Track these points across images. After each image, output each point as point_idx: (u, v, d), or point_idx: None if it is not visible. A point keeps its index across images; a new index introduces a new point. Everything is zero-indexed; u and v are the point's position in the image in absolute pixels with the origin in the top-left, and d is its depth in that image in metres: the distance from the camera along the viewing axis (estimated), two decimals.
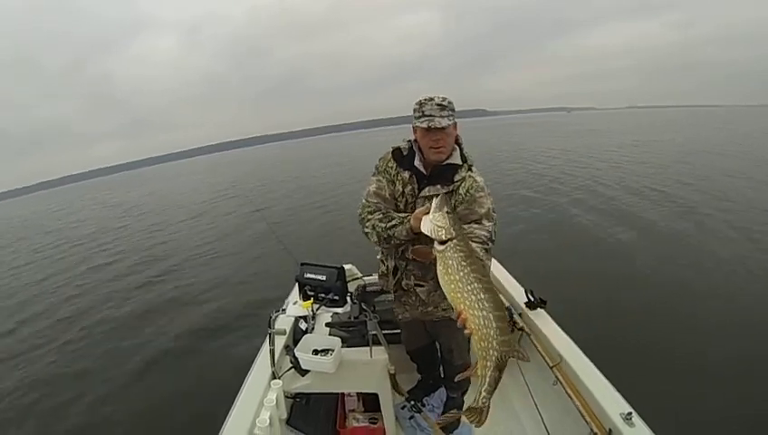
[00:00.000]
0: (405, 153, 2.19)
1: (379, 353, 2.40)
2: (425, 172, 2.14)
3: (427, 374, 3.04)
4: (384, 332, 2.42)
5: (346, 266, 3.10)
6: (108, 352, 5.49)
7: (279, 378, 2.33)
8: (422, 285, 2.27)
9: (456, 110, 2.03)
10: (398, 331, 2.71)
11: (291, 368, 2.36)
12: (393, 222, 2.03)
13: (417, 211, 1.93)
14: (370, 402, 2.75)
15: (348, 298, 2.44)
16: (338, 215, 11.98)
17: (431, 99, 2.00)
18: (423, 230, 1.77)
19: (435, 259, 1.74)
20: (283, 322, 2.59)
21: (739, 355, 4.18)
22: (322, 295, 2.31)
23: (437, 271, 1.72)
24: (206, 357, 4.95)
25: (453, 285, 1.64)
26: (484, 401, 1.56)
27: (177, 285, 7.87)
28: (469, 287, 1.60)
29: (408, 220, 1.96)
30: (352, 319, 2.60)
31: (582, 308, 4.77)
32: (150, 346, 5.45)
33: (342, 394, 2.82)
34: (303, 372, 2.36)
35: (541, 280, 3.43)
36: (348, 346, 2.40)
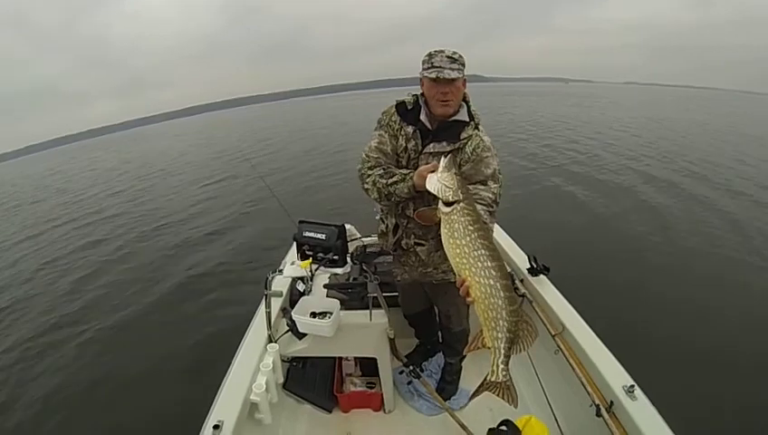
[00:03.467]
0: (410, 107, 2.09)
1: (379, 317, 2.32)
2: (430, 127, 2.05)
3: (425, 339, 3.01)
4: (383, 294, 2.35)
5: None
6: (100, 311, 5.44)
7: (275, 341, 2.26)
8: (422, 245, 2.21)
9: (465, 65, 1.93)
10: (397, 294, 2.64)
11: (287, 331, 2.30)
12: (395, 178, 1.97)
13: (421, 168, 1.85)
14: (368, 367, 2.71)
15: (348, 259, 2.34)
16: (336, 175, 11.82)
17: (441, 51, 1.91)
18: (428, 188, 1.68)
19: (439, 221, 1.66)
20: (280, 283, 2.52)
21: (746, 334, 4.17)
22: (321, 255, 2.22)
23: (441, 233, 1.64)
24: (200, 321, 4.85)
25: (458, 250, 1.56)
26: (504, 374, 1.53)
27: (171, 245, 7.71)
28: (475, 254, 1.53)
29: (411, 177, 1.91)
30: (351, 280, 2.52)
31: (586, 278, 4.73)
32: (145, 308, 5.38)
33: (340, 358, 2.77)
34: (300, 336, 2.29)
35: (544, 247, 3.34)
36: (346, 309, 2.33)
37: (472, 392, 1.68)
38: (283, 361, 2.44)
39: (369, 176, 2.05)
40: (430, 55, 1.93)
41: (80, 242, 8.74)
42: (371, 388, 2.65)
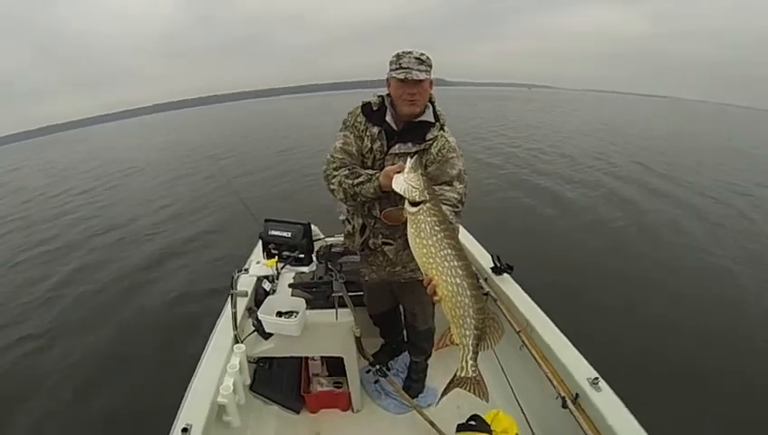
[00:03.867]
0: (375, 108, 2.09)
1: (345, 316, 2.32)
2: (395, 128, 2.06)
3: (390, 339, 3.01)
4: (349, 294, 2.34)
5: None
6: (62, 316, 5.19)
7: (242, 342, 2.22)
8: (390, 244, 2.21)
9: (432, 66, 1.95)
10: (362, 293, 2.62)
11: (253, 331, 2.26)
12: (360, 179, 1.98)
13: (387, 169, 1.87)
14: (334, 366, 2.70)
15: (313, 257, 2.32)
16: (299, 175, 11.75)
17: (409, 52, 1.92)
18: (395, 189, 1.71)
19: (405, 221, 1.69)
20: (245, 283, 2.47)
21: (706, 322, 4.51)
22: (287, 254, 2.18)
23: (408, 233, 1.68)
24: (164, 322, 4.74)
25: (425, 250, 1.60)
26: (473, 369, 1.58)
27: (132, 246, 7.43)
28: (442, 253, 1.57)
29: (377, 178, 1.92)
30: (315, 280, 2.50)
31: (549, 276, 4.83)
32: (108, 310, 5.16)
33: (306, 358, 2.74)
34: (267, 336, 2.26)
35: (508, 247, 3.40)
36: (311, 308, 2.31)
37: (442, 389, 1.70)
38: (249, 362, 2.40)
39: (335, 176, 2.04)
40: (398, 56, 1.93)
41: (34, 244, 8.30)
42: (338, 387, 2.63)
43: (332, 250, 2.80)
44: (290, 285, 2.48)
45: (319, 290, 2.39)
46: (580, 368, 2.12)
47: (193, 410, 1.84)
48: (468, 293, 1.53)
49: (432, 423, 2.37)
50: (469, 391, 1.61)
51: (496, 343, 1.58)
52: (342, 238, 2.45)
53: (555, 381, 2.19)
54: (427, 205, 1.62)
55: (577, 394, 2.04)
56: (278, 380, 2.65)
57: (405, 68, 1.90)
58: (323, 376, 2.70)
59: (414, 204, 1.63)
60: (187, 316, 4.66)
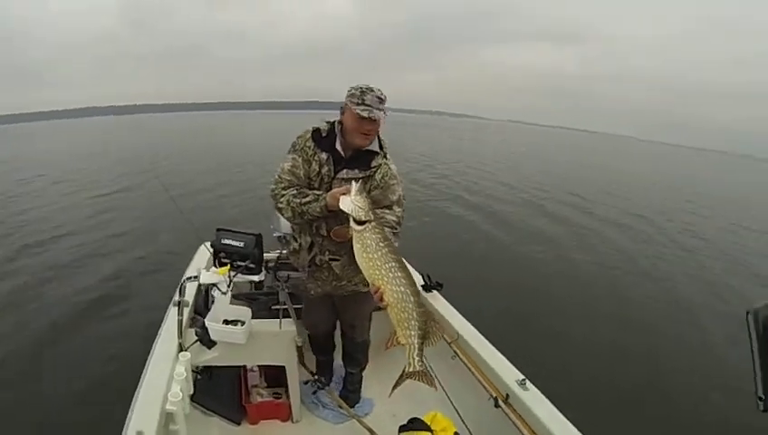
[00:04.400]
0: (324, 135, 2.22)
1: (288, 325, 2.39)
2: (344, 155, 2.20)
3: (324, 356, 2.99)
4: (293, 306, 2.43)
5: None
6: None
7: (187, 350, 2.21)
8: (337, 260, 2.31)
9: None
10: (301, 306, 2.65)
11: (197, 340, 2.25)
12: (308, 199, 2.10)
13: (334, 190, 2.02)
14: (272, 378, 2.74)
15: (263, 267, 2.38)
16: (237, 192, 11.67)
17: (371, 89, 2.06)
18: (343, 208, 1.86)
19: (350, 238, 1.87)
20: (189, 292, 2.48)
21: (611, 326, 5.26)
22: (239, 263, 2.22)
23: (354, 249, 1.86)
24: (104, 331, 4.51)
25: (371, 263, 1.80)
26: (419, 364, 1.79)
27: (65, 257, 6.88)
28: (387, 266, 1.77)
29: (324, 198, 2.05)
30: (262, 289, 2.57)
31: (476, 291, 5.24)
32: (44, 322, 4.77)
33: (245, 369, 2.74)
34: (211, 345, 2.27)
35: (436, 266, 3.61)
36: (254, 318, 2.35)
37: (393, 384, 1.87)
38: (192, 371, 2.39)
39: (284, 196, 2.15)
40: (362, 91, 2.06)
41: None
42: (278, 398, 2.66)
43: (280, 262, 2.85)
44: (233, 296, 2.51)
45: (261, 300, 2.45)
46: (507, 372, 2.34)
47: (142, 417, 1.81)
48: (411, 299, 1.74)
49: (371, 430, 2.44)
50: (418, 380, 1.83)
51: (438, 341, 1.81)
52: (278, 254, 2.56)
53: (486, 384, 2.39)
54: (372, 224, 1.81)
55: (507, 395, 2.25)
56: (219, 390, 2.65)
57: (368, 106, 2.04)
58: (262, 387, 2.71)
59: (359, 223, 1.81)
60: (125, 328, 4.46)
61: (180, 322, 2.22)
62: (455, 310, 2.92)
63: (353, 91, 2.08)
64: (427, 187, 13.81)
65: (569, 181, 17.76)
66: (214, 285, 2.23)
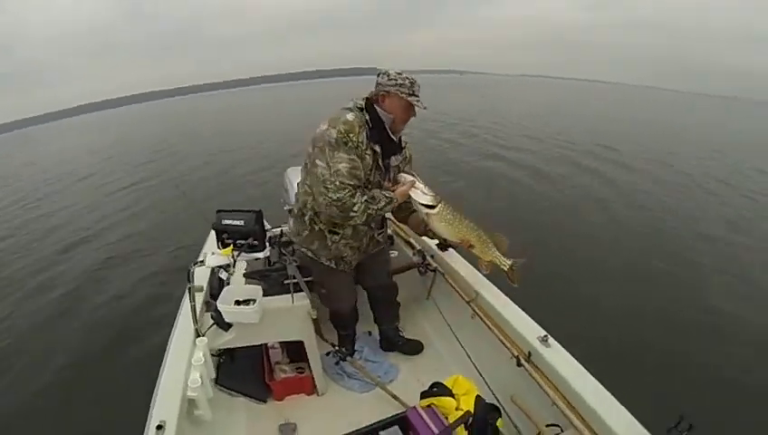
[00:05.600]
0: (371, 126, 2.20)
1: (300, 299, 2.35)
2: (398, 143, 2.35)
3: (347, 331, 2.95)
4: (303, 279, 2.39)
5: None
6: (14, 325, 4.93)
7: (203, 335, 2.21)
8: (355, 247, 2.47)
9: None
10: (311, 278, 2.56)
11: (213, 324, 2.25)
12: (382, 203, 2.18)
13: (402, 189, 2.23)
14: (294, 353, 2.73)
15: (267, 243, 2.33)
16: (240, 171, 11.70)
17: (415, 80, 2.18)
18: (418, 200, 2.24)
19: (426, 222, 2.35)
20: (201, 276, 2.48)
21: (632, 283, 5.01)
22: (241, 241, 2.19)
23: (437, 226, 2.33)
24: (124, 323, 4.63)
25: (457, 230, 2.34)
26: (509, 261, 2.42)
27: (84, 251, 7.09)
28: (465, 225, 2.33)
29: (395, 199, 2.22)
30: (269, 266, 2.54)
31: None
32: (68, 318, 4.95)
33: (266, 347, 2.75)
34: (227, 327, 2.27)
35: None
36: (267, 295, 2.33)
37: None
38: (212, 355, 2.40)
39: (355, 205, 2.09)
40: (411, 82, 2.16)
41: None
42: (301, 372, 2.65)
43: (283, 238, 2.83)
44: (244, 275, 2.50)
45: (272, 277, 2.43)
46: (529, 329, 2.26)
47: (164, 406, 1.81)
48: (484, 235, 2.37)
49: (395, 397, 2.46)
50: (513, 275, 2.44)
51: (504, 245, 2.40)
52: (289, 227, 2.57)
53: (507, 343, 2.32)
54: (442, 203, 2.26)
55: (530, 352, 2.17)
56: (242, 371, 2.66)
57: (418, 97, 2.18)
58: (285, 363, 2.71)
59: (433, 206, 2.24)
60: (147, 316, 4.56)
61: (194, 307, 2.21)
62: (472, 267, 2.81)
63: (399, 80, 2.15)
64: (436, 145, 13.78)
65: (597, 134, 17.17)
66: (221, 267, 2.20)
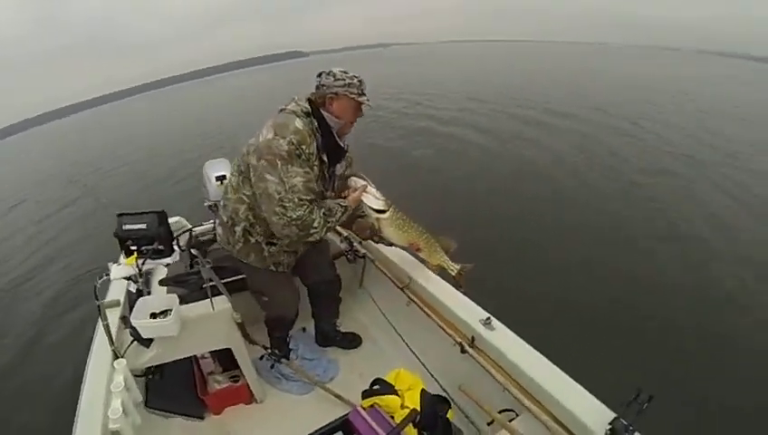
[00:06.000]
0: (318, 133, 2.04)
1: (221, 303, 2.16)
2: (346, 149, 2.23)
3: (283, 332, 2.75)
4: (224, 281, 2.21)
5: (173, 219, 2.80)
6: None
7: (122, 356, 1.98)
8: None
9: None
10: (238, 277, 2.44)
11: (133, 341, 2.03)
12: (338, 214, 2.08)
13: (354, 196, 2.15)
14: (227, 360, 2.51)
15: (174, 247, 2.12)
16: (154, 173, 11.36)
17: (362, 78, 2.07)
18: (370, 206, 2.16)
19: (376, 226, 2.28)
20: (113, 289, 2.24)
21: (583, 251, 5.01)
22: (146, 247, 1.97)
23: (387, 231, 2.27)
24: (35, 349, 4.34)
25: (407, 234, 2.29)
26: (456, 265, 2.40)
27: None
28: (414, 229, 2.29)
29: (348, 207, 2.13)
30: (189, 270, 2.33)
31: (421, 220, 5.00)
32: None
33: (196, 358, 2.55)
34: (148, 343, 2.05)
35: None
36: (186, 302, 2.14)
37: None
38: (136, 376, 2.18)
39: (315, 221, 1.97)
40: (360, 81, 2.05)
41: None
42: (236, 381, 2.48)
43: (199, 238, 2.63)
44: (160, 282, 2.30)
45: (191, 281, 2.24)
46: (470, 312, 2.18)
47: None
48: (432, 238, 2.34)
49: (338, 396, 2.35)
50: (460, 280, 2.40)
51: (451, 248, 2.39)
52: (211, 226, 2.39)
53: (448, 329, 2.22)
54: (392, 207, 2.21)
55: (473, 337, 2.09)
56: (173, 388, 2.46)
57: (366, 96, 2.08)
58: (218, 373, 2.53)
59: (383, 211, 2.18)
60: (60, 340, 4.29)
61: (107, 326, 1.98)
62: (402, 251, 2.68)
63: (347, 80, 2.02)
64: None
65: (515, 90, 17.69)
66: (128, 278, 1.98)
